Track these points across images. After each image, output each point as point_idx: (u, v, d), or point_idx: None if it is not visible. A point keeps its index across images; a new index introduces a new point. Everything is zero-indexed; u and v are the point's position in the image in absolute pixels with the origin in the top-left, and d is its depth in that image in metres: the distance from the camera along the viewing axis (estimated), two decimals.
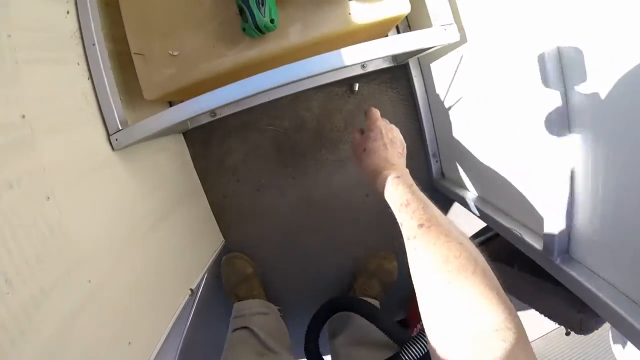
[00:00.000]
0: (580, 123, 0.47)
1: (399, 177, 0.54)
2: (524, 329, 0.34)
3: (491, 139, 0.74)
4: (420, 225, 0.44)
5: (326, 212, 1.06)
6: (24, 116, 0.49)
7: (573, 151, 0.49)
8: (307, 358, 0.88)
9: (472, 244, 0.42)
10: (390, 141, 0.62)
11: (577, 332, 0.57)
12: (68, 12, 0.65)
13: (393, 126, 0.66)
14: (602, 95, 0.41)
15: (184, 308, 0.81)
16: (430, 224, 0.44)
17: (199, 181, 1.03)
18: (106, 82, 0.67)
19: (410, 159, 0.77)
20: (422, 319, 0.40)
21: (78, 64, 0.66)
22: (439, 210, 0.47)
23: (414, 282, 0.43)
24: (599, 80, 0.42)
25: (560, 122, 0.48)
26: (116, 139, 0.67)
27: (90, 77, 0.68)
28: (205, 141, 1.01)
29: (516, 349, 0.31)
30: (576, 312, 0.55)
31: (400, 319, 1.20)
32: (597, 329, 0.54)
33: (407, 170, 0.58)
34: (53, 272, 0.48)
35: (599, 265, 0.50)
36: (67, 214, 0.53)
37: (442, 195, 0.99)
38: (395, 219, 0.49)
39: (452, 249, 0.40)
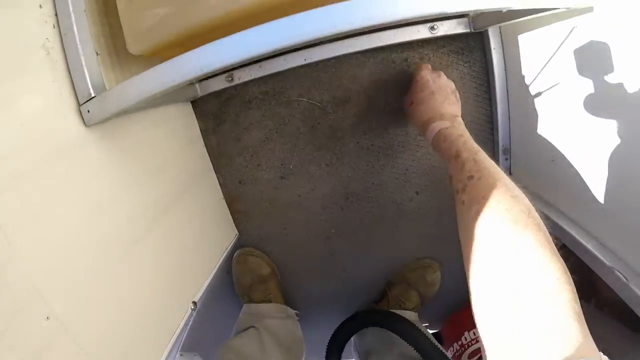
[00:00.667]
0: None
1: (447, 127, 0.53)
2: (575, 291, 0.32)
3: (601, 145, 0.54)
4: (470, 177, 0.43)
5: (364, 209, 0.87)
6: None
7: None
8: None
9: (524, 195, 0.40)
10: (439, 88, 0.60)
11: None
12: None
13: (440, 72, 0.64)
14: None
15: (184, 325, 0.64)
16: (481, 174, 0.42)
17: (210, 163, 0.83)
18: (75, 29, 0.46)
19: None
20: (468, 277, 0.38)
21: (40, 6, 0.44)
22: (492, 162, 0.45)
23: (461, 239, 0.41)
24: None
25: None
26: (88, 110, 0.46)
27: (57, 24, 0.46)
28: (219, 113, 0.80)
29: (566, 316, 0.29)
30: None
31: (434, 331, 1.06)
32: None
33: (460, 119, 0.57)
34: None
35: None
36: (14, 226, 0.34)
37: None
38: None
39: (503, 201, 0.38)
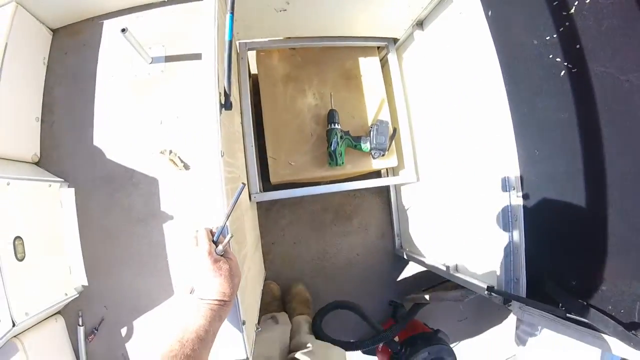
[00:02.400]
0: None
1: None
2: None
3: (422, 232, 1.53)
4: None
5: (332, 261, 1.73)
6: (239, 176, 1.18)
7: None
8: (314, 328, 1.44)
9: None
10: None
11: (462, 300, 1.27)
12: (240, 123, 1.36)
13: None
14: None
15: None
16: None
17: (259, 232, 1.67)
18: (255, 167, 1.36)
19: (383, 237, 1.52)
20: None
21: (244, 156, 1.36)
22: None
23: None
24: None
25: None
26: (254, 197, 1.34)
27: (245, 161, 1.36)
28: (268, 208, 1.70)
29: None
30: (460, 292, 1.27)
31: None
32: (469, 298, 1.25)
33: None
34: (245, 244, 1.13)
35: (467, 272, 1.24)
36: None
37: (401, 258, 1.73)
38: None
39: None
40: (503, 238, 0.99)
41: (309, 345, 1.23)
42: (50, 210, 1.48)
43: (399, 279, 1.79)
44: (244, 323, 0.83)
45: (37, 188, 1.42)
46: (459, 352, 1.73)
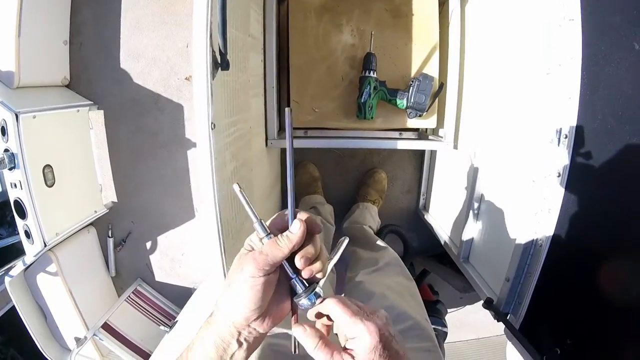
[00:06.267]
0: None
1: None
2: None
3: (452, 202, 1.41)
4: None
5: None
6: (251, 127, 1.09)
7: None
8: None
9: None
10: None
11: (461, 292, 1.23)
12: (262, 60, 1.22)
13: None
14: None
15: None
16: None
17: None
18: (275, 111, 1.25)
19: (408, 192, 1.42)
20: None
21: (261, 96, 1.24)
22: None
23: None
24: None
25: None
26: (271, 143, 1.27)
27: (265, 107, 1.26)
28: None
29: None
30: (463, 284, 1.22)
31: None
32: (468, 292, 1.20)
33: None
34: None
35: (476, 266, 1.17)
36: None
37: (420, 221, 1.66)
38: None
39: None
40: (523, 248, 0.85)
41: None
42: (79, 133, 1.53)
43: (417, 237, 1.74)
44: None
45: (65, 115, 1.44)
46: (453, 322, 1.71)
